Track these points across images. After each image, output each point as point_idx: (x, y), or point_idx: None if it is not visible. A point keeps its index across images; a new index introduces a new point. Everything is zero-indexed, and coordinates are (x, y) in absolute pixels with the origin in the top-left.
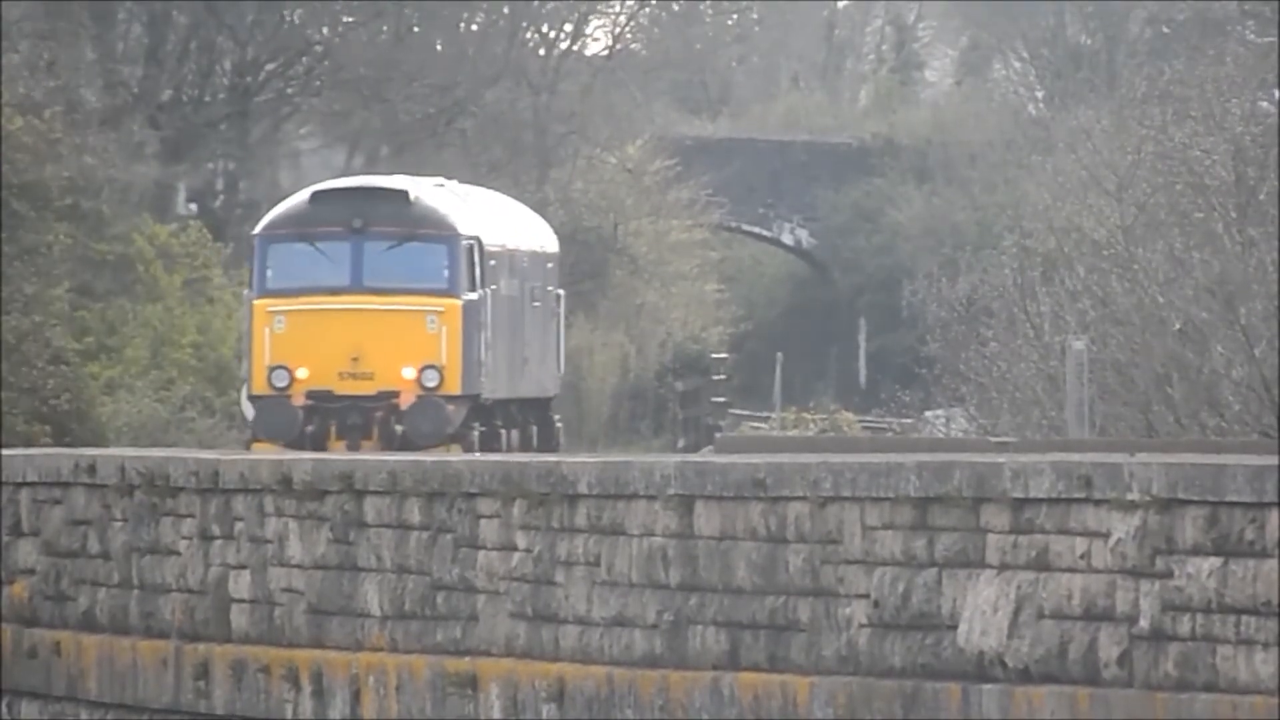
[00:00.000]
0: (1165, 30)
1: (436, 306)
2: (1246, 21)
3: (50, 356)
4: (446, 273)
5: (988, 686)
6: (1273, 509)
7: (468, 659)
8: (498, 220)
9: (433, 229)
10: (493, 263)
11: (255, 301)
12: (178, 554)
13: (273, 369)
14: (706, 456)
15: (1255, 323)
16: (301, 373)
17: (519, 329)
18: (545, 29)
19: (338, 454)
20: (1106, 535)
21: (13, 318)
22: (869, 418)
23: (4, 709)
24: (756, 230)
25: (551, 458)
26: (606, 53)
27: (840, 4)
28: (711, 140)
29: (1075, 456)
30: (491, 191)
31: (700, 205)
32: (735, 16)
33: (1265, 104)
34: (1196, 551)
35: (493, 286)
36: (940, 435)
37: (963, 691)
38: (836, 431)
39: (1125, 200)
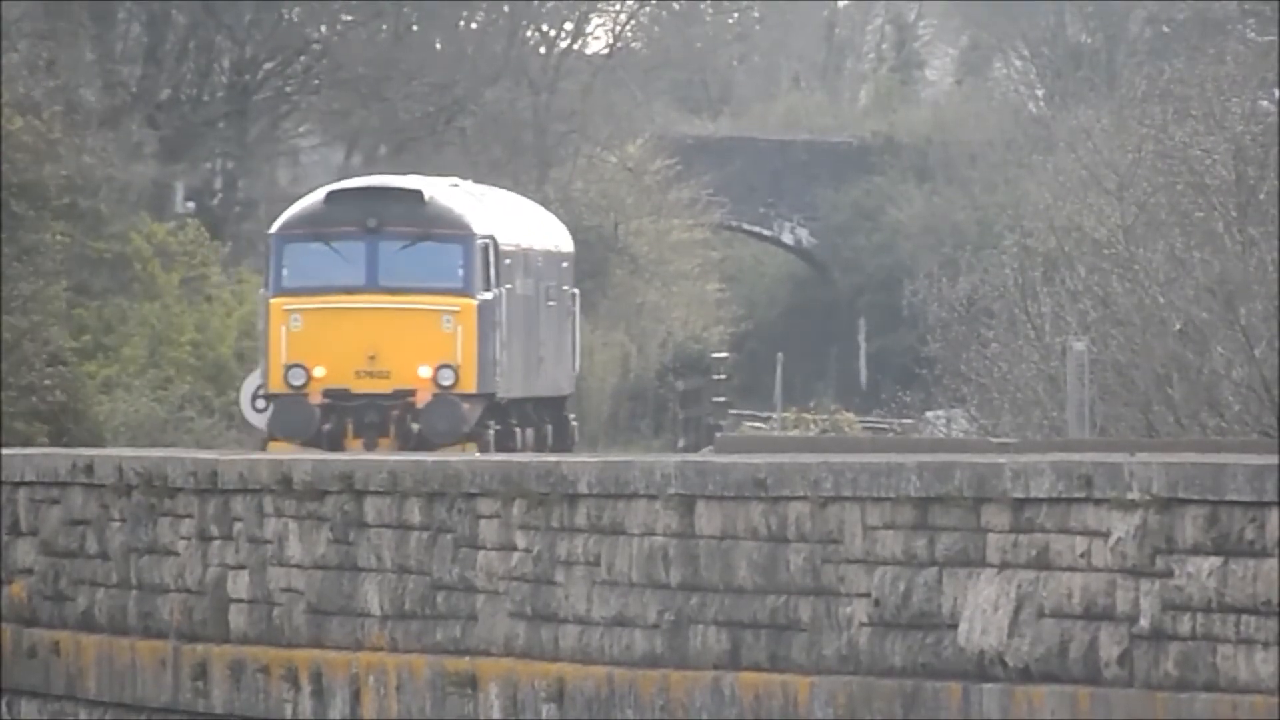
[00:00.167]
0: (1165, 29)
1: (452, 306)
2: (1247, 20)
3: (48, 356)
4: (461, 272)
5: (988, 686)
6: (1273, 508)
7: (467, 659)
8: (512, 220)
9: (448, 228)
10: (508, 262)
11: (271, 300)
12: (176, 554)
13: (289, 367)
14: (707, 456)
15: (1255, 323)
16: (318, 371)
17: (534, 328)
18: (545, 28)
19: (350, 454)
20: (1107, 535)
21: (11, 317)
22: (870, 418)
23: (3, 708)
24: (757, 230)
25: (551, 457)
26: (607, 52)
27: (840, 3)
28: (712, 139)
29: (1075, 456)
30: (506, 191)
31: (701, 205)
32: (736, 16)
33: (1265, 103)
34: (1196, 551)
35: (508, 286)
36: (941, 436)
37: (963, 691)
38: (837, 432)
39: (1126, 199)
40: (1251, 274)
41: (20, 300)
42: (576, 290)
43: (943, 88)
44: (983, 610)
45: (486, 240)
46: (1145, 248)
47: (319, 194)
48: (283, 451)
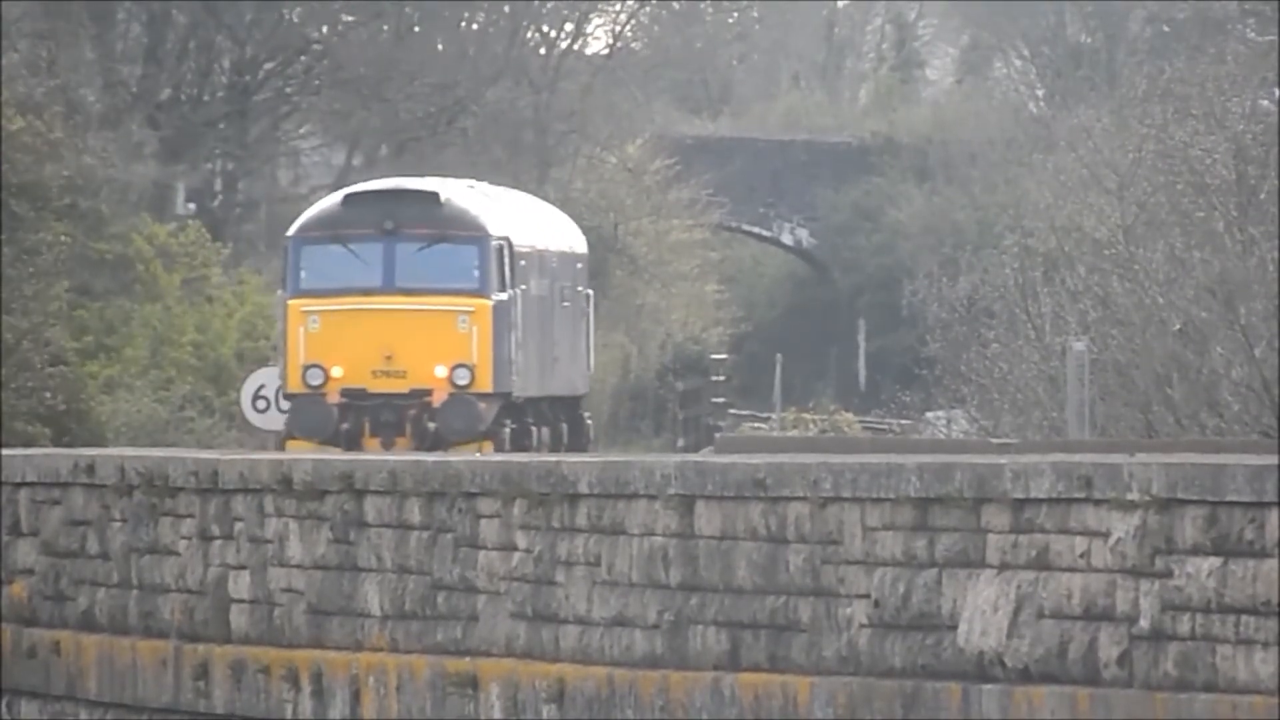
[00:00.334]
0: (1166, 29)
1: (467, 306)
2: (1247, 20)
3: (49, 356)
4: (477, 273)
5: (988, 686)
6: (1272, 509)
7: (468, 659)
8: (527, 221)
9: (463, 230)
10: (523, 263)
11: (289, 301)
12: (177, 554)
13: (307, 367)
14: (707, 456)
15: (1255, 323)
16: (336, 371)
17: (549, 328)
18: (546, 28)
19: (368, 453)
20: (1106, 535)
21: (12, 317)
22: (869, 418)
23: (4, 708)
24: (756, 230)
25: (552, 457)
26: (607, 52)
27: (840, 3)
28: (712, 139)
29: (1075, 457)
30: (521, 192)
31: (700, 205)
32: (735, 15)
33: (1266, 103)
34: (1196, 551)
35: (523, 286)
36: (941, 436)
37: (963, 691)
38: (837, 432)
39: (1126, 199)
40: (1251, 274)
41: (21, 301)
42: (591, 291)
43: (943, 87)
44: (982, 611)
45: (502, 241)
46: (1145, 247)
47: (336, 196)
48: (300, 451)
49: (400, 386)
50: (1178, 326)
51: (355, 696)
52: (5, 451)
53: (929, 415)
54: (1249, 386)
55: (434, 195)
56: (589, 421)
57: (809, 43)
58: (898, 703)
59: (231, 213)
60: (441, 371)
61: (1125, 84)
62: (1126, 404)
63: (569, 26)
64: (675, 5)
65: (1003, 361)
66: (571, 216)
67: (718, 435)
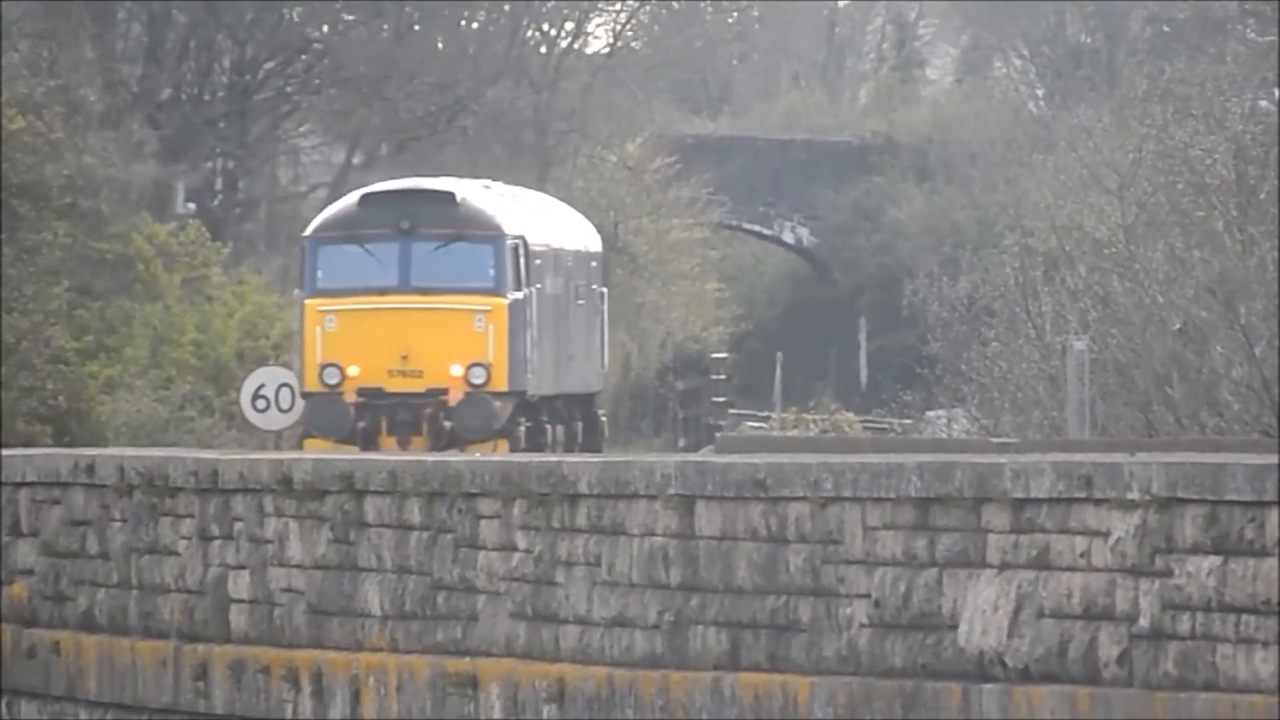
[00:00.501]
0: (1166, 29)
1: (483, 305)
2: (1247, 20)
3: (49, 356)
4: (493, 272)
5: (988, 686)
6: (1272, 508)
7: (468, 659)
8: (542, 220)
9: (479, 229)
10: (538, 262)
11: (306, 301)
12: (177, 554)
13: (324, 366)
14: (707, 456)
15: (1255, 323)
16: (353, 370)
17: (564, 326)
18: (546, 27)
19: (386, 453)
20: (1106, 534)
21: (12, 317)
22: (870, 418)
23: (3, 708)
24: (757, 229)
25: (552, 458)
26: (607, 51)
27: (841, 3)
28: (712, 139)
29: (1076, 456)
30: (536, 192)
31: (701, 204)
32: (736, 15)
33: (1266, 103)
34: (1196, 550)
35: (538, 285)
36: (941, 435)
37: (963, 691)
38: (837, 431)
39: (1126, 199)
40: (1251, 274)
41: (22, 300)
42: (605, 289)
43: (943, 87)
44: (983, 611)
45: (517, 241)
46: (1145, 247)
47: (352, 196)
48: (319, 449)
49: (416, 385)
50: (1178, 326)
51: (355, 696)
52: (5, 451)
53: (929, 414)
54: (1249, 386)
55: (450, 195)
56: (603, 419)
57: (809, 42)
58: (898, 703)
59: (231, 212)
60: (457, 370)
61: (1125, 84)
62: (1127, 403)
63: (569, 26)
64: (675, 5)
65: (1003, 361)
66: None
67: (718, 435)
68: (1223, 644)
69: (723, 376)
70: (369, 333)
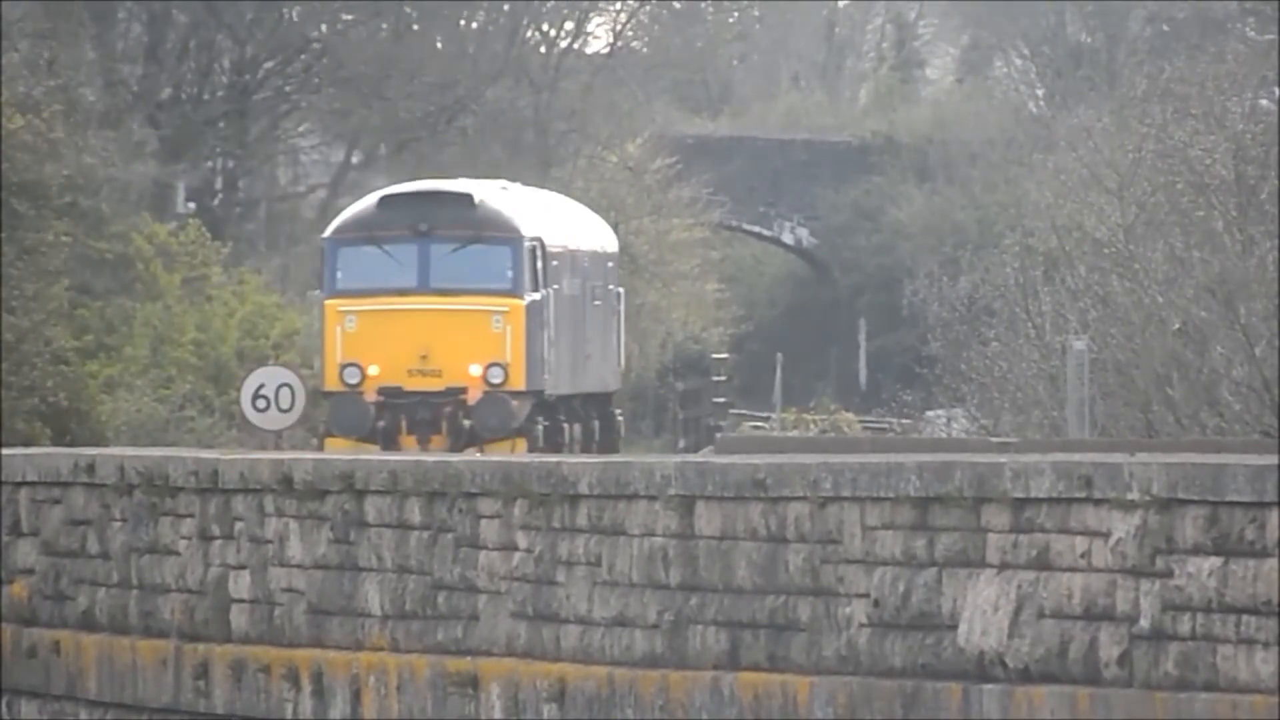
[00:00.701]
0: (1165, 28)
1: (501, 306)
2: (1247, 19)
3: (50, 355)
4: (510, 273)
5: (988, 686)
6: (1273, 508)
7: (469, 659)
8: (559, 222)
9: (497, 231)
10: (555, 263)
11: (326, 302)
12: (177, 554)
13: (344, 366)
14: (707, 457)
15: (1255, 323)
16: (373, 370)
17: (581, 326)
18: (546, 27)
19: (406, 452)
20: (1107, 535)
21: (13, 316)
22: (870, 418)
23: (3, 708)
24: (757, 229)
25: (552, 458)
26: (607, 51)
27: (841, 3)
28: (712, 139)
29: (1076, 456)
30: (553, 193)
31: (701, 204)
32: (736, 15)
33: (1266, 102)
34: (1196, 551)
35: (555, 286)
36: (941, 435)
37: (963, 691)
38: (837, 432)
39: (1126, 199)
40: (1251, 274)
41: (22, 300)
42: (622, 290)
43: (943, 87)
44: (983, 611)
45: (534, 242)
46: (1145, 247)
47: (371, 199)
48: (340, 448)
49: (435, 385)
50: (1178, 326)
51: (356, 696)
52: (5, 451)
53: (929, 414)
54: (1249, 386)
55: (468, 197)
56: (620, 418)
57: (809, 42)
58: (898, 703)
59: (231, 212)
60: (476, 370)
61: (1125, 84)
62: (1126, 403)
63: (569, 25)
64: (675, 5)
65: (1003, 360)
66: None
67: (718, 435)
68: (1223, 644)
69: (723, 377)
70: (389, 333)
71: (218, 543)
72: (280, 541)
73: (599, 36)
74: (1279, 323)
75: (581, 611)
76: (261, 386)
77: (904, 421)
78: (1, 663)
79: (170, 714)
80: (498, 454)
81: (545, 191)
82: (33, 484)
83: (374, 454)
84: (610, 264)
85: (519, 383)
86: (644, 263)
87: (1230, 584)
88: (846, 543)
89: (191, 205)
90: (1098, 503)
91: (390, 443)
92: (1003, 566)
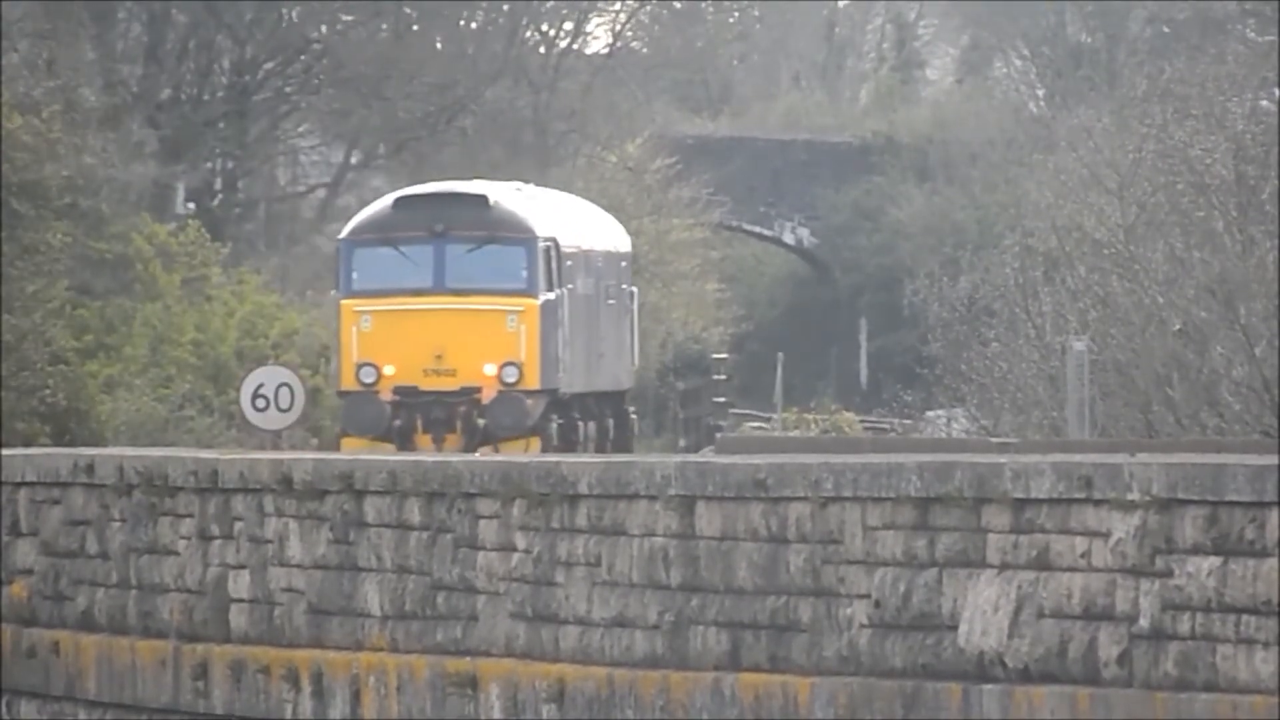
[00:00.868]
0: (1166, 29)
1: (516, 306)
2: (1247, 20)
3: (50, 355)
4: (525, 273)
5: (988, 686)
6: (1273, 508)
7: (468, 659)
8: (573, 222)
9: (511, 232)
10: (569, 263)
11: (343, 302)
12: (176, 554)
13: (360, 366)
14: (707, 457)
15: (1255, 323)
16: (388, 369)
17: (595, 326)
18: (545, 27)
19: (423, 451)
20: (1107, 535)
21: (13, 316)
22: (870, 418)
23: (3, 708)
24: (757, 229)
25: (552, 458)
26: (607, 51)
27: (841, 3)
28: (712, 139)
29: (1076, 457)
30: (566, 194)
31: (701, 204)
32: (736, 15)
33: (1266, 103)
34: (1196, 551)
35: (569, 286)
36: (941, 435)
37: (963, 691)
38: (837, 432)
39: (1126, 199)
40: (1251, 274)
41: (22, 300)
42: (635, 289)
43: (943, 87)
44: (983, 611)
45: (549, 242)
46: (1145, 247)
47: (387, 200)
48: (356, 448)
49: (451, 384)
50: (1178, 326)
51: (355, 696)
52: (5, 451)
53: (929, 414)
54: (1249, 386)
55: (483, 198)
56: (634, 416)
57: (809, 42)
58: (898, 703)
59: (231, 212)
60: (491, 369)
61: (1125, 84)
62: (1127, 404)
63: (569, 26)
64: (675, 5)
65: (1003, 361)
66: None
67: (719, 435)
68: (1223, 644)
69: (723, 377)
70: (404, 333)
71: (217, 543)
72: (280, 541)
73: (599, 37)
74: (1279, 323)
75: (581, 612)
76: (261, 386)
77: (904, 422)
78: (1, 663)
79: (169, 714)
80: (512, 453)
81: (559, 192)
82: (32, 484)
83: (391, 453)
84: (624, 263)
85: (534, 382)
86: (644, 263)
87: (1230, 584)
88: (847, 543)
89: (191, 205)
90: (1098, 503)
91: (406, 442)
92: (1003, 567)
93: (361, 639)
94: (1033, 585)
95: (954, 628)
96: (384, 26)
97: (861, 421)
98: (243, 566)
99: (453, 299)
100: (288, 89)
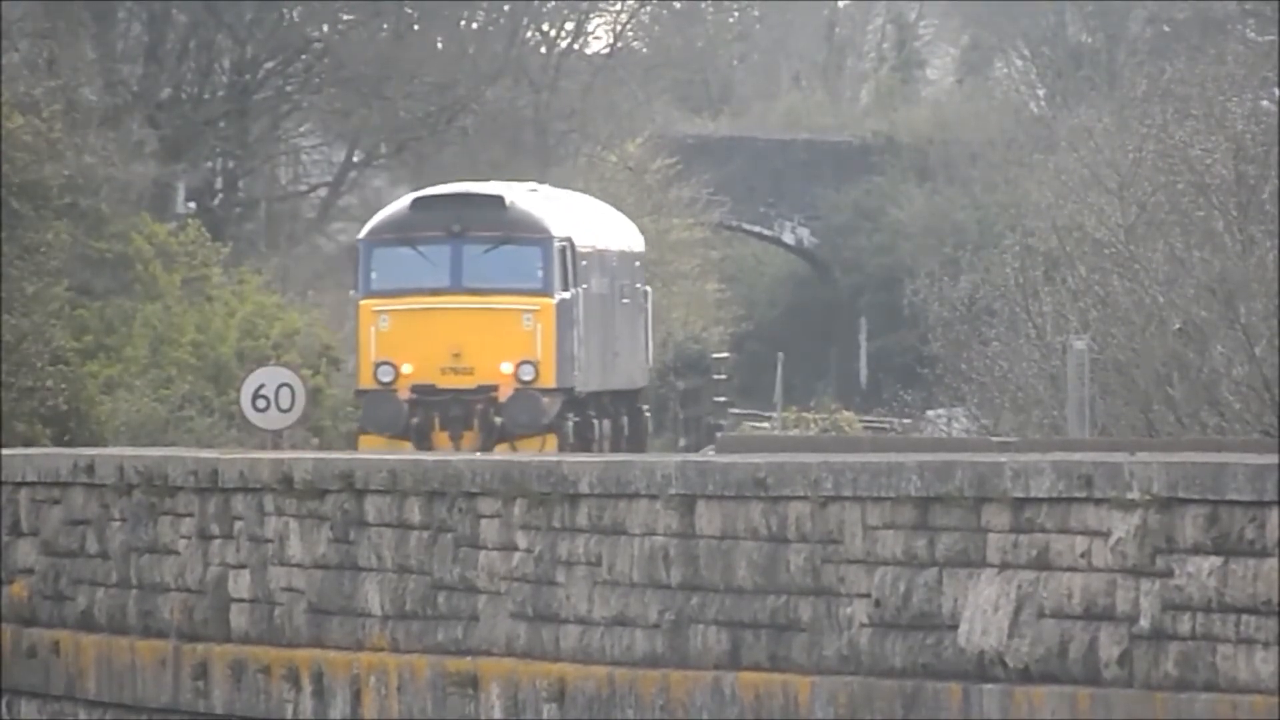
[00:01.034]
0: (1166, 29)
1: (532, 305)
2: (1247, 20)
3: (50, 356)
4: (541, 273)
5: (988, 686)
6: (1273, 508)
7: (469, 659)
8: (588, 222)
9: (527, 232)
10: (584, 263)
11: (361, 302)
12: (176, 553)
13: (379, 364)
14: (708, 456)
15: (1255, 322)
16: (406, 368)
17: (609, 324)
18: (546, 27)
19: (440, 451)
20: (1107, 534)
21: (12, 317)
22: (870, 417)
23: (3, 708)
24: (757, 229)
25: (552, 458)
26: (607, 51)
27: (841, 3)
28: (712, 139)
29: (1076, 456)
30: (581, 195)
31: (701, 204)
32: (736, 15)
33: (1266, 103)
34: (1197, 550)
35: (584, 285)
36: (942, 435)
37: (963, 691)
38: (837, 431)
39: (1126, 199)
40: (1251, 273)
41: (22, 300)
42: (649, 288)
43: (943, 87)
44: (983, 611)
45: (564, 242)
46: (1145, 247)
47: (404, 201)
48: (373, 446)
49: (468, 383)
50: (1178, 326)
51: (356, 696)
52: (5, 451)
53: (930, 414)
54: (1249, 385)
55: (499, 199)
56: (647, 414)
57: (809, 42)
58: (898, 702)
59: (231, 212)
60: (507, 368)
61: (1126, 84)
62: (1127, 403)
63: (569, 26)
64: (676, 5)
65: (1003, 360)
66: None
67: (719, 435)
68: (1223, 644)
69: (723, 376)
70: (422, 332)
71: (217, 542)
72: (280, 541)
73: (599, 37)
74: (1279, 323)
75: (581, 611)
76: (261, 386)
77: (904, 421)
78: (1, 663)
79: (170, 714)
80: (529, 450)
81: (574, 193)
82: (32, 484)
83: (411, 452)
84: (637, 263)
85: (549, 380)
86: (644, 262)
87: (1230, 584)
88: (847, 542)
89: (191, 205)
90: (1098, 502)
91: (423, 440)
92: (1003, 566)
93: (362, 639)
94: (1033, 585)
95: (954, 627)
96: (384, 26)
97: (861, 421)
98: (243, 566)
99: (470, 298)
100: (288, 88)
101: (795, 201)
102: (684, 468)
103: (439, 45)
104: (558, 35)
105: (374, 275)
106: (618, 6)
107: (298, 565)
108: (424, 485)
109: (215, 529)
